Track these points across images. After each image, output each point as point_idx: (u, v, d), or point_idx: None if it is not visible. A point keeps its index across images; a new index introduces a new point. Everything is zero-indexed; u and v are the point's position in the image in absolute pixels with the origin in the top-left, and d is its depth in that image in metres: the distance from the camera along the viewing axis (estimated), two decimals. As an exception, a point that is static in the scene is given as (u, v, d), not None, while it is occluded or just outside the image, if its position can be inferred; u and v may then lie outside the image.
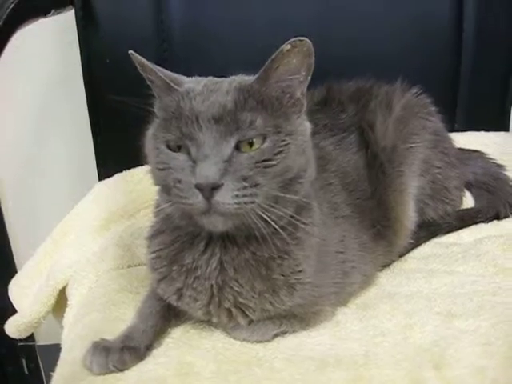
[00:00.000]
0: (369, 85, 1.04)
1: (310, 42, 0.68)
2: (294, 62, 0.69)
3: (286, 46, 0.67)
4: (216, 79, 0.75)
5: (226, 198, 0.65)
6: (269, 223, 0.69)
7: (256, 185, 0.67)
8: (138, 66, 0.72)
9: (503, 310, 0.81)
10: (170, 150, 0.69)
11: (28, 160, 1.45)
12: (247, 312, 0.76)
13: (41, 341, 1.60)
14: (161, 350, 0.76)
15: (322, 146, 0.93)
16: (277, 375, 0.72)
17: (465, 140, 1.26)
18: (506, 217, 1.12)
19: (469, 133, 1.33)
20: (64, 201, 1.20)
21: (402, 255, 1.02)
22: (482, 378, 0.69)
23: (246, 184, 0.66)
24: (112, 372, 0.71)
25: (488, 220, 1.10)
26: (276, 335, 0.80)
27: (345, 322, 0.84)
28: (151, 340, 0.76)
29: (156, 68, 0.72)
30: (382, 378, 0.71)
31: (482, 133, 1.34)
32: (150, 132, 0.74)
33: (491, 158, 1.19)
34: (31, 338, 1.58)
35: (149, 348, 0.75)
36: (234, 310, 0.75)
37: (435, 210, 1.04)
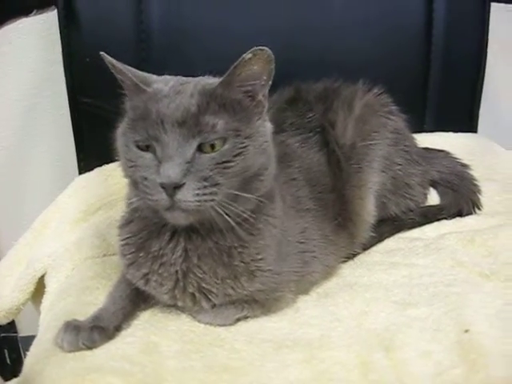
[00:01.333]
0: (335, 85, 1.08)
1: (269, 51, 0.73)
2: (255, 68, 0.74)
3: (248, 55, 0.72)
4: (183, 79, 0.80)
5: (187, 196, 0.70)
6: (230, 217, 0.74)
7: (216, 184, 0.72)
8: (109, 67, 0.76)
9: (455, 300, 0.86)
10: (139, 148, 0.74)
11: (12, 153, 1.48)
12: (210, 296, 0.81)
13: (22, 332, 1.64)
14: (129, 331, 0.81)
15: (287, 143, 0.98)
16: (237, 355, 0.77)
17: (433, 140, 1.32)
18: (469, 214, 1.17)
19: (437, 133, 1.39)
20: (45, 194, 1.24)
21: (365, 248, 1.06)
22: (427, 361, 0.74)
23: (207, 183, 0.71)
24: (82, 349, 0.75)
25: (451, 217, 1.15)
26: (238, 319, 0.85)
27: (304, 309, 0.89)
28: (120, 321, 0.81)
29: (126, 69, 0.76)
30: (334, 359, 0.76)
31: (450, 134, 1.39)
32: (120, 130, 0.78)
33: (457, 158, 1.24)
34: (13, 329, 1.62)
35: (118, 329, 0.80)
36: (197, 294, 0.80)
37: (397, 205, 1.09)
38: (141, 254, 0.81)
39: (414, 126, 1.18)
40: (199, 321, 0.84)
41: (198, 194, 0.71)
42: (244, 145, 0.74)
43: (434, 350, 0.76)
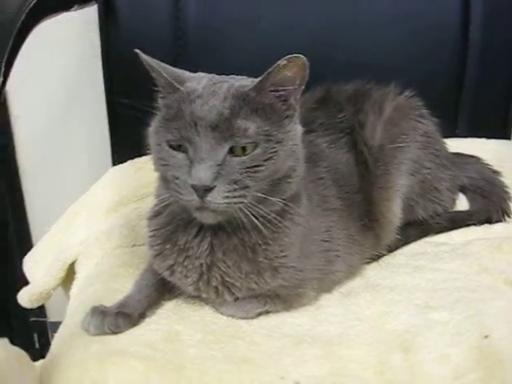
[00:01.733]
0: (367, 87, 1.09)
1: (304, 58, 0.74)
2: (289, 74, 0.75)
3: (283, 62, 0.73)
4: (217, 78, 0.81)
5: (217, 198, 0.72)
6: (256, 218, 0.76)
7: (245, 187, 0.74)
8: (144, 64, 0.78)
9: (478, 306, 0.85)
10: (171, 148, 0.76)
11: (49, 144, 1.53)
12: (233, 290, 0.83)
13: (52, 318, 1.69)
14: (153, 319, 0.83)
15: (316, 143, 0.99)
16: (256, 347, 0.78)
17: (465, 146, 1.30)
18: (498, 221, 1.15)
19: (470, 139, 1.37)
20: (80, 183, 1.28)
21: (391, 250, 1.06)
22: (445, 364, 0.74)
23: (236, 186, 0.73)
24: (107, 334, 0.78)
25: (480, 223, 1.13)
26: (260, 313, 0.86)
27: (326, 307, 0.89)
28: (145, 309, 0.83)
29: (160, 66, 0.78)
30: (352, 356, 0.76)
31: (483, 140, 1.37)
32: (153, 128, 0.80)
33: (488, 164, 1.22)
34: (43, 314, 1.68)
35: (142, 316, 0.83)
36: (220, 287, 0.82)
37: (425, 209, 1.08)
38: (167, 246, 0.83)
39: (445, 130, 1.17)
40: (222, 313, 0.86)
41: (227, 197, 0.73)
42: (275, 149, 0.75)
43: (452, 353, 0.76)
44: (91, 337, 0.78)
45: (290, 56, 0.73)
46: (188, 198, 0.73)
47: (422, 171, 1.04)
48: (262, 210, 0.76)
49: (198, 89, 0.76)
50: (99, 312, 0.79)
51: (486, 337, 0.78)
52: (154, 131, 0.79)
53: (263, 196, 0.76)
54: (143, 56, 0.77)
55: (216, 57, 1.25)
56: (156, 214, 0.87)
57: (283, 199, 0.80)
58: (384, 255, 1.04)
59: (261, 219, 0.78)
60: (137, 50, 0.77)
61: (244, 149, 0.74)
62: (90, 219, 1.16)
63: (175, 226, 0.83)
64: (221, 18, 1.25)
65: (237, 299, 0.84)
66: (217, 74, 0.83)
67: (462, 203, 1.20)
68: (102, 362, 0.71)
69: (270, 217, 0.79)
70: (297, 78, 0.76)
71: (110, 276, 0.96)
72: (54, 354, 0.77)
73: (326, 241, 0.90)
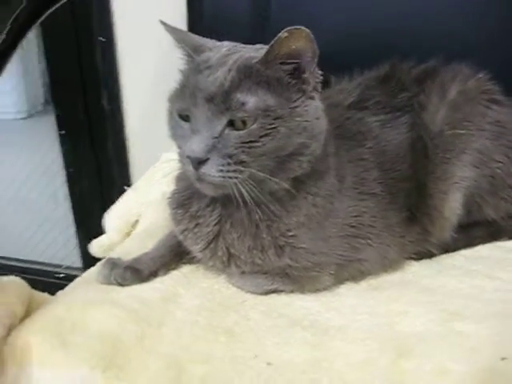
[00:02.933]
0: (436, 66, 0.97)
1: (307, 29, 0.69)
2: (295, 47, 0.71)
3: (284, 34, 0.69)
4: (236, 48, 0.78)
5: (211, 171, 0.71)
6: (260, 194, 0.74)
7: (241, 162, 0.72)
8: (169, 33, 0.78)
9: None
10: (180, 117, 0.76)
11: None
12: (238, 263, 0.82)
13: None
14: (162, 279, 0.86)
15: (366, 121, 0.92)
16: (246, 322, 0.77)
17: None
18: None
19: None
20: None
21: (450, 250, 0.95)
22: (439, 378, 0.65)
23: (231, 161, 0.71)
24: (113, 284, 0.83)
25: None
26: (271, 291, 0.84)
27: (345, 296, 0.84)
28: (157, 267, 0.86)
29: (183, 35, 0.79)
30: (341, 349, 0.71)
31: None
32: (169, 95, 0.79)
33: None
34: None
35: (154, 274, 0.85)
36: (226, 258, 0.82)
37: (496, 208, 0.94)
38: (179, 211, 0.85)
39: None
40: (232, 284, 0.85)
41: (221, 171, 0.71)
42: (273, 125, 0.72)
43: (454, 369, 0.66)
44: (98, 285, 0.83)
45: (290, 28, 0.69)
46: (187, 168, 0.74)
47: (491, 164, 0.91)
48: (264, 186, 0.74)
49: (210, 59, 0.75)
50: (110, 263, 0.84)
51: (504, 359, 0.67)
52: (169, 99, 0.80)
53: (262, 174, 0.73)
54: (166, 25, 0.78)
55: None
56: (180, 178, 0.89)
57: (294, 177, 0.77)
58: (436, 254, 0.94)
59: (267, 196, 0.76)
60: (160, 20, 0.78)
61: (244, 123, 0.71)
62: (155, 184, 1.21)
63: (190, 193, 0.84)
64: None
65: (244, 272, 0.83)
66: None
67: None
68: (88, 307, 0.75)
69: (278, 194, 0.76)
70: (305, 50, 0.72)
71: (149, 235, 1.00)
72: (62, 292, 0.83)
73: (353, 226, 0.84)
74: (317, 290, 0.84)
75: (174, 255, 0.88)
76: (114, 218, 1.25)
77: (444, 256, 0.95)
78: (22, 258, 1.95)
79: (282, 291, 0.84)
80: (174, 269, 0.89)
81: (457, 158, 0.89)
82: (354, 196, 0.85)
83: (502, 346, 0.70)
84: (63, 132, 1.64)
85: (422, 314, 0.78)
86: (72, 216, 1.77)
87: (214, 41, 0.82)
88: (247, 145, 0.71)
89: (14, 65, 1.82)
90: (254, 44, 0.80)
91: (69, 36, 1.53)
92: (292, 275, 0.82)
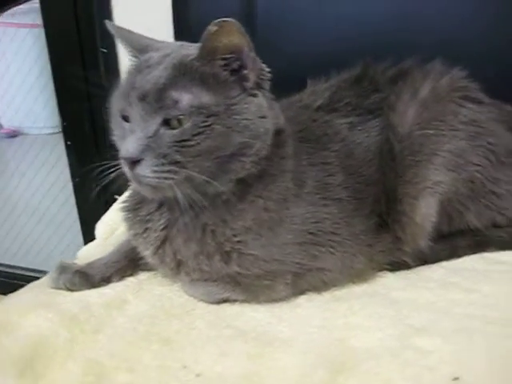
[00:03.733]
0: (410, 65, 0.91)
1: (236, 21, 0.66)
2: (226, 42, 0.68)
3: (213, 27, 0.67)
4: (180, 46, 0.76)
5: (145, 171, 0.68)
6: (198, 198, 0.71)
7: (176, 162, 0.68)
8: (114, 34, 0.77)
9: (476, 341, 0.68)
10: (123, 118, 0.73)
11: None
12: (186, 269, 0.78)
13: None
14: (116, 285, 0.83)
15: (333, 123, 0.87)
16: (188, 331, 0.73)
17: None
18: None
19: None
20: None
21: (431, 261, 0.88)
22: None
23: (165, 161, 0.68)
24: (62, 289, 0.80)
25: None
26: (223, 300, 0.79)
27: (302, 307, 0.79)
28: (110, 273, 0.83)
29: (129, 35, 0.77)
30: (279, 362, 0.67)
31: None
32: (112, 95, 0.77)
33: None
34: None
35: (106, 280, 0.83)
36: (173, 264, 0.78)
37: (478, 216, 0.87)
38: (130, 215, 0.82)
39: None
40: (185, 292, 0.82)
41: (155, 171, 0.68)
42: (207, 123, 0.68)
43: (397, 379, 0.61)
44: (50, 289, 0.81)
45: (218, 20, 0.66)
46: (124, 169, 0.71)
47: (469, 167, 0.83)
48: (206, 189, 0.71)
49: (151, 58, 0.73)
50: (61, 268, 0.82)
51: (456, 379, 0.61)
52: (109, 100, 0.77)
53: (199, 176, 0.69)
54: (110, 26, 0.77)
55: (283, 38, 1.18)
56: None
57: (239, 179, 0.73)
58: (412, 265, 0.87)
59: (210, 199, 0.73)
60: (106, 21, 0.77)
61: (180, 122, 0.68)
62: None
63: (141, 197, 0.81)
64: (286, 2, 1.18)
65: (194, 280, 0.79)
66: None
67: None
68: (27, 310, 0.73)
69: (223, 197, 0.73)
70: (238, 44, 0.69)
71: (117, 242, 0.98)
72: (13, 294, 0.82)
73: (312, 233, 0.78)
74: (273, 301, 0.79)
75: (128, 261, 0.85)
76: (101, 225, 1.24)
77: (424, 267, 0.89)
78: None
79: (235, 301, 0.79)
80: (130, 275, 0.86)
81: (428, 161, 0.83)
82: (314, 201, 0.80)
83: (459, 365, 0.64)
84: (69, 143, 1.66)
85: (382, 329, 0.72)
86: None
87: (162, 41, 0.80)
88: (180, 144, 0.68)
89: (47, 81, 1.86)
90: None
91: (73, 47, 1.55)
92: (243, 284, 0.78)
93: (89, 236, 1.75)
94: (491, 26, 1.06)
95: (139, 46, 0.76)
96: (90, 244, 1.14)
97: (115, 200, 1.30)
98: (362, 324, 0.74)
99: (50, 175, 2.04)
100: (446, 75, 0.87)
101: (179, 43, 0.78)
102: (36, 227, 1.97)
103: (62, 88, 1.63)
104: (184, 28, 1.26)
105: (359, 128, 0.87)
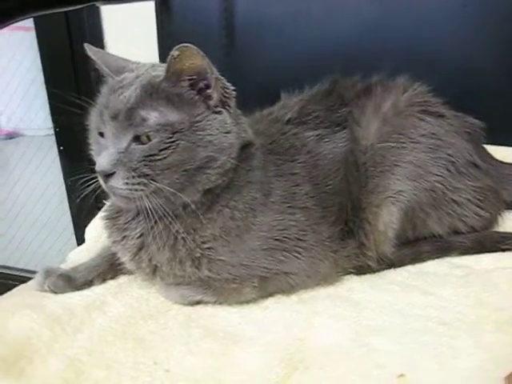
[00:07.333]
0: (376, 81, 0.97)
1: (194, 47, 0.72)
2: (188, 65, 0.75)
3: (175, 52, 0.73)
4: (152, 67, 0.82)
5: (118, 183, 0.75)
6: (168, 208, 0.77)
7: (145, 175, 0.75)
8: (91, 57, 0.83)
9: (428, 340, 0.74)
10: (100, 135, 0.80)
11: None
12: (162, 274, 0.84)
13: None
14: (97, 287, 0.89)
15: (301, 136, 0.92)
16: (161, 331, 0.79)
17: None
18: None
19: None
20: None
21: (397, 265, 0.94)
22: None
23: (135, 174, 0.75)
24: (47, 291, 0.86)
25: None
26: (196, 302, 0.85)
27: (270, 309, 0.84)
28: (92, 277, 0.89)
29: (106, 57, 0.83)
30: (240, 360, 0.72)
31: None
32: (91, 112, 0.82)
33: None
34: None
35: (88, 283, 0.89)
36: (149, 270, 0.84)
37: (440, 223, 0.92)
38: (109, 224, 0.88)
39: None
40: (161, 294, 0.87)
41: (127, 183, 0.75)
42: (172, 139, 0.75)
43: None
44: (36, 292, 0.87)
45: (179, 46, 0.72)
46: (100, 182, 0.78)
47: (429, 178, 0.89)
48: (175, 200, 0.77)
49: (125, 79, 0.80)
50: (46, 271, 0.88)
51: (401, 376, 0.66)
52: (89, 117, 0.83)
53: (167, 188, 0.75)
54: (89, 49, 0.83)
55: (261, 45, 1.24)
56: None
57: (207, 190, 0.80)
58: (378, 269, 0.93)
59: (180, 209, 0.79)
60: (86, 44, 0.83)
61: (149, 138, 0.75)
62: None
63: (120, 207, 0.87)
64: (265, 9, 1.23)
65: (169, 284, 0.85)
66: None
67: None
68: (13, 312, 0.79)
69: (192, 207, 0.79)
70: (199, 66, 0.75)
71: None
72: (4, 295, 0.88)
73: (278, 239, 0.84)
74: (242, 302, 0.85)
75: (109, 265, 0.91)
76: (90, 229, 1.29)
77: (389, 271, 0.94)
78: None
79: (208, 302, 0.85)
80: (111, 278, 0.91)
81: (389, 171, 0.88)
82: (281, 210, 0.86)
83: (406, 363, 0.69)
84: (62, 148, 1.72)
85: (340, 329, 0.78)
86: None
87: (138, 62, 0.86)
88: (149, 158, 0.75)
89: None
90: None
91: (66, 57, 1.61)
92: (214, 287, 0.83)
93: (82, 238, 1.82)
94: (463, 42, 1.12)
95: (115, 68, 0.82)
96: (80, 247, 1.20)
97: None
98: (323, 324, 0.79)
99: (45, 177, 2.09)
100: (408, 90, 0.93)
101: (151, 64, 0.84)
102: (31, 229, 2.03)
103: (54, 95, 1.68)
104: (167, 38, 1.31)
105: (326, 140, 0.93)
